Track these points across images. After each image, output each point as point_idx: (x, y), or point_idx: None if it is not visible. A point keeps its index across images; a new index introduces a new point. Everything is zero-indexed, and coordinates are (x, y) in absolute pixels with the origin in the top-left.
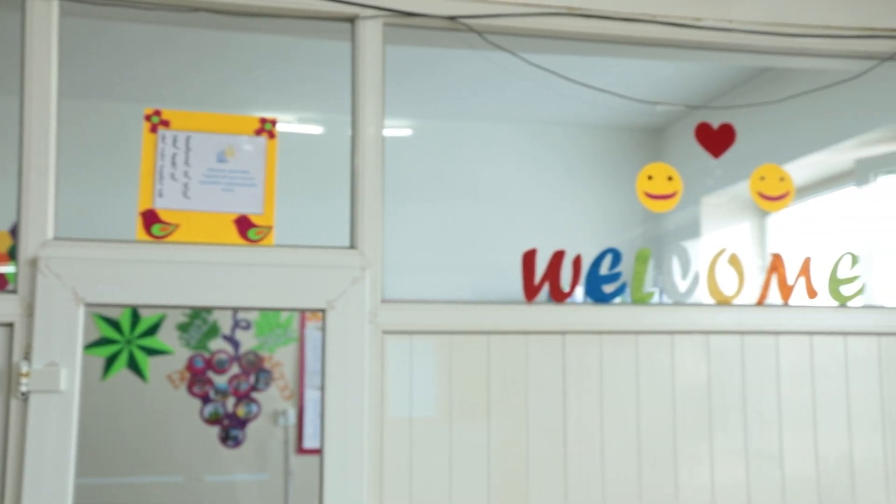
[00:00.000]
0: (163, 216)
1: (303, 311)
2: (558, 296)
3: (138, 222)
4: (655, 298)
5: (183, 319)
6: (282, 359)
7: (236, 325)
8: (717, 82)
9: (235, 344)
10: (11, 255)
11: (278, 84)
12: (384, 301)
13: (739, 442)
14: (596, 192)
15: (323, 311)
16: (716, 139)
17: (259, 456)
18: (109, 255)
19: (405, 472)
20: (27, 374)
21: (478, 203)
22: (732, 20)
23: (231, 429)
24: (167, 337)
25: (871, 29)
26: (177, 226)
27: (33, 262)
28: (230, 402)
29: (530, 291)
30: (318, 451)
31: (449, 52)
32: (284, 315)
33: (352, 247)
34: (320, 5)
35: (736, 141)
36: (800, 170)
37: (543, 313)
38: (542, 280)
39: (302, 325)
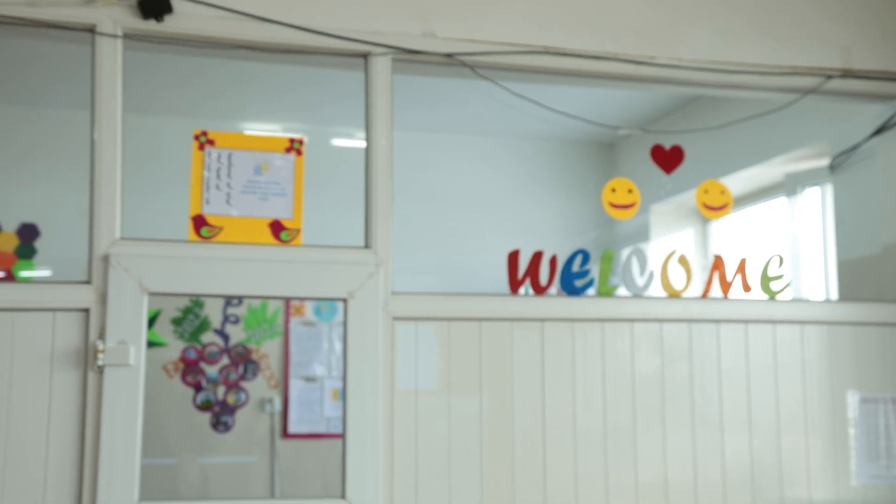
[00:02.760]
0: (210, 220)
1: (328, 300)
2: (538, 289)
3: (189, 225)
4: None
5: (177, 314)
6: (268, 351)
7: (226, 319)
8: (664, 104)
9: (225, 337)
10: (18, 254)
11: (295, 103)
12: (394, 293)
13: (687, 410)
14: (557, 198)
15: (344, 300)
16: (667, 158)
17: (247, 440)
18: (168, 252)
19: (412, 435)
20: (102, 351)
21: (448, 208)
22: (681, 59)
23: (221, 415)
24: (162, 330)
25: (795, 67)
26: (221, 228)
27: (105, 258)
28: (221, 390)
29: (514, 285)
30: (301, 436)
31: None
32: (270, 311)
33: (366, 246)
34: (340, 44)
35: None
36: (737, 182)
37: (526, 303)
38: (524, 275)
39: (286, 321)
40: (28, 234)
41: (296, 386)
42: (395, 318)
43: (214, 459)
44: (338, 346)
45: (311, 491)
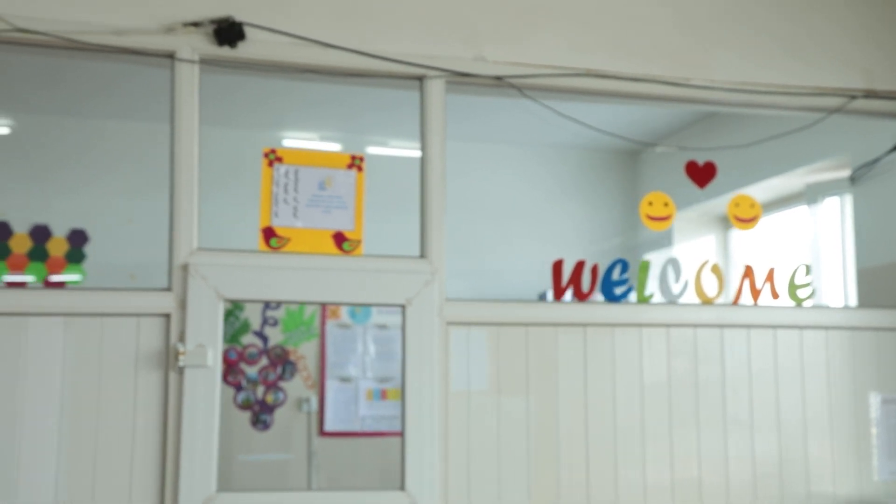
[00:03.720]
0: (278, 232)
1: (388, 306)
2: (580, 296)
3: (260, 237)
4: (654, 299)
5: None
6: (305, 352)
7: (265, 322)
8: (685, 116)
9: (264, 339)
10: (68, 259)
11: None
12: (448, 299)
13: (719, 411)
14: (582, 204)
15: (402, 306)
16: (701, 174)
17: (285, 438)
18: (241, 261)
19: (464, 432)
20: (183, 353)
21: (478, 215)
22: (714, 80)
23: (261, 414)
24: None
25: (820, 88)
26: (289, 239)
27: (185, 268)
28: (260, 390)
29: (558, 292)
30: (337, 434)
31: None
32: (308, 313)
33: (422, 256)
34: (398, 68)
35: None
36: (759, 191)
37: (569, 310)
38: (567, 284)
39: (323, 323)
40: (78, 239)
41: (332, 386)
42: (449, 323)
43: (254, 456)
44: (372, 347)
45: (357, 485)
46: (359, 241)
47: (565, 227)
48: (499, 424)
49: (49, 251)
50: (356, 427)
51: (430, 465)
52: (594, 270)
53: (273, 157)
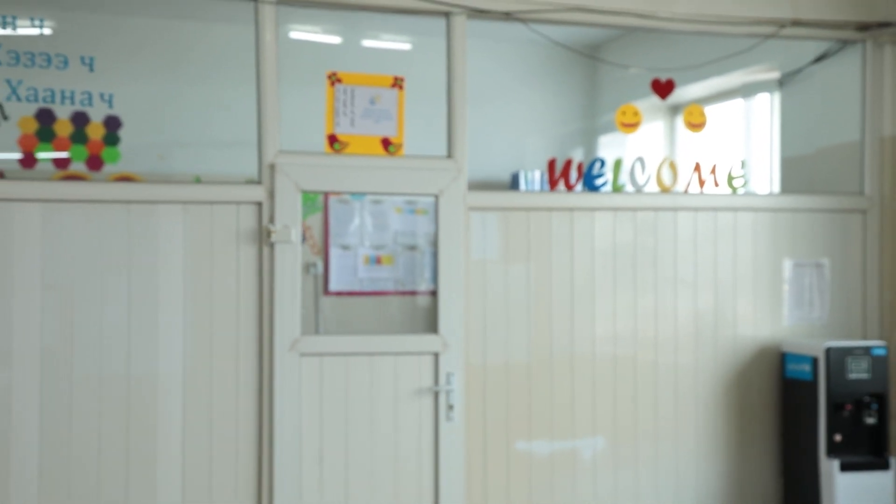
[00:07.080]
0: (340, 138)
1: (425, 196)
2: (568, 186)
3: (325, 142)
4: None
5: None
6: (311, 224)
7: None
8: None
9: None
10: (105, 141)
11: None
12: (469, 189)
13: (670, 274)
14: (543, 93)
15: (436, 195)
16: (663, 88)
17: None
18: (313, 161)
19: (481, 289)
20: (274, 232)
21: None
22: (675, 13)
23: None
24: None
25: (758, 19)
26: (347, 143)
27: (272, 166)
28: None
29: (552, 183)
30: (339, 294)
31: None
32: None
33: (449, 156)
34: (429, 6)
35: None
36: (700, 88)
37: (560, 197)
38: (558, 177)
39: (326, 199)
40: (112, 124)
41: (334, 253)
42: (470, 209)
43: None
44: (368, 220)
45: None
46: (400, 145)
47: (529, 114)
48: (506, 284)
49: (88, 135)
50: (356, 287)
51: (457, 315)
52: (580, 167)
53: (335, 79)
